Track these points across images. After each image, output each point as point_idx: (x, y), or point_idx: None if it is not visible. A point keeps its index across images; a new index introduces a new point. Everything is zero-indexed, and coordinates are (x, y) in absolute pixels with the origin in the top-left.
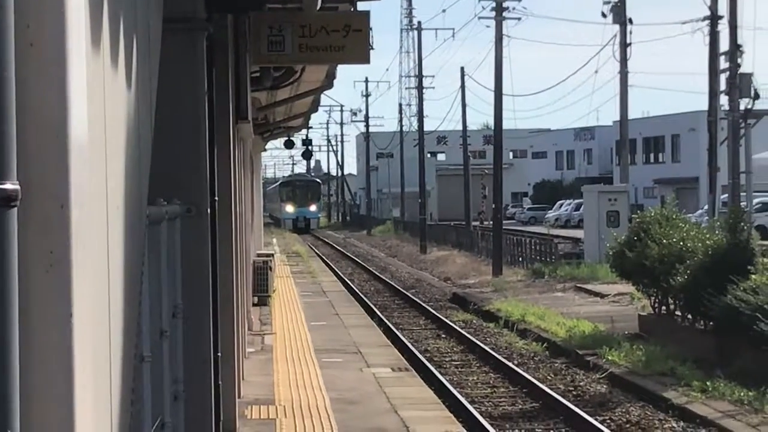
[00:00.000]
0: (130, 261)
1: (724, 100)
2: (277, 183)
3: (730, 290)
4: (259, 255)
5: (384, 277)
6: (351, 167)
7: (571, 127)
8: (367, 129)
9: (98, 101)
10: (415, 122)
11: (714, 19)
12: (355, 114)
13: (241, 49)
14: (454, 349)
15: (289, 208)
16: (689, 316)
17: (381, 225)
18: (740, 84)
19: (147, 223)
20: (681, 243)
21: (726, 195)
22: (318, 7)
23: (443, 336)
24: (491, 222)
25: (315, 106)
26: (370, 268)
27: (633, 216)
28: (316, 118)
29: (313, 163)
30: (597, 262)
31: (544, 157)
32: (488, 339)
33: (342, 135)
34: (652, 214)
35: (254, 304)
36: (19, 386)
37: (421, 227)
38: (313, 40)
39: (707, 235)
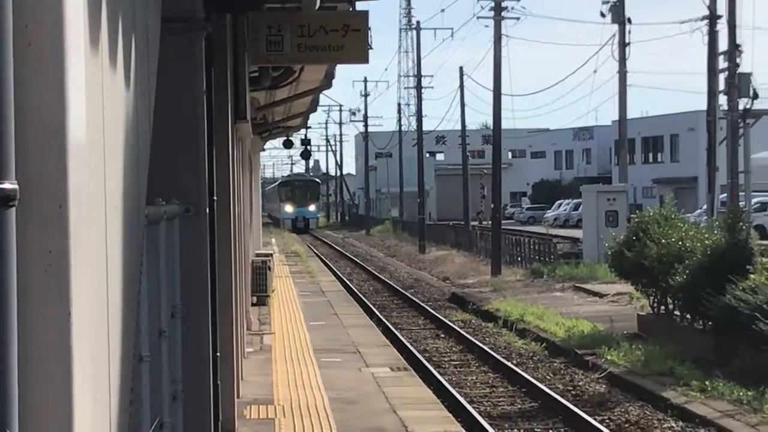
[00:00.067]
0: (129, 261)
1: (722, 100)
2: (276, 183)
3: (729, 290)
4: (257, 255)
5: (383, 277)
6: (350, 167)
7: (569, 127)
8: (366, 129)
9: (97, 101)
10: (414, 122)
11: (713, 18)
12: (353, 114)
13: (239, 48)
14: (453, 348)
15: (288, 208)
16: (688, 316)
17: (380, 225)
18: (739, 84)
19: (145, 223)
20: (680, 243)
21: (725, 195)
22: (317, 7)
23: (442, 336)
24: (490, 222)
25: (314, 106)
26: (369, 268)
27: (632, 216)
28: (314, 118)
29: (311, 163)
30: (596, 261)
31: (542, 156)
32: (487, 339)
33: (341, 135)
34: (651, 214)
35: (253, 304)
36: (17, 386)
37: (420, 227)
38: (311, 39)
39: (706, 235)
